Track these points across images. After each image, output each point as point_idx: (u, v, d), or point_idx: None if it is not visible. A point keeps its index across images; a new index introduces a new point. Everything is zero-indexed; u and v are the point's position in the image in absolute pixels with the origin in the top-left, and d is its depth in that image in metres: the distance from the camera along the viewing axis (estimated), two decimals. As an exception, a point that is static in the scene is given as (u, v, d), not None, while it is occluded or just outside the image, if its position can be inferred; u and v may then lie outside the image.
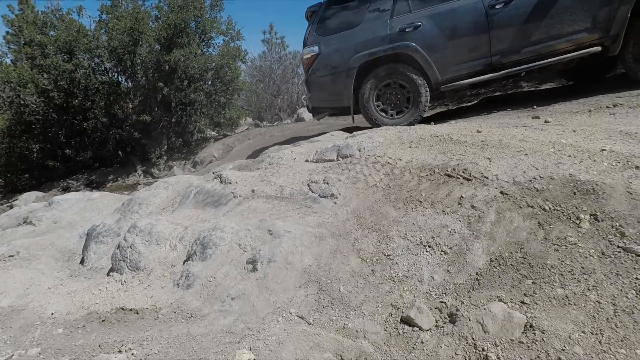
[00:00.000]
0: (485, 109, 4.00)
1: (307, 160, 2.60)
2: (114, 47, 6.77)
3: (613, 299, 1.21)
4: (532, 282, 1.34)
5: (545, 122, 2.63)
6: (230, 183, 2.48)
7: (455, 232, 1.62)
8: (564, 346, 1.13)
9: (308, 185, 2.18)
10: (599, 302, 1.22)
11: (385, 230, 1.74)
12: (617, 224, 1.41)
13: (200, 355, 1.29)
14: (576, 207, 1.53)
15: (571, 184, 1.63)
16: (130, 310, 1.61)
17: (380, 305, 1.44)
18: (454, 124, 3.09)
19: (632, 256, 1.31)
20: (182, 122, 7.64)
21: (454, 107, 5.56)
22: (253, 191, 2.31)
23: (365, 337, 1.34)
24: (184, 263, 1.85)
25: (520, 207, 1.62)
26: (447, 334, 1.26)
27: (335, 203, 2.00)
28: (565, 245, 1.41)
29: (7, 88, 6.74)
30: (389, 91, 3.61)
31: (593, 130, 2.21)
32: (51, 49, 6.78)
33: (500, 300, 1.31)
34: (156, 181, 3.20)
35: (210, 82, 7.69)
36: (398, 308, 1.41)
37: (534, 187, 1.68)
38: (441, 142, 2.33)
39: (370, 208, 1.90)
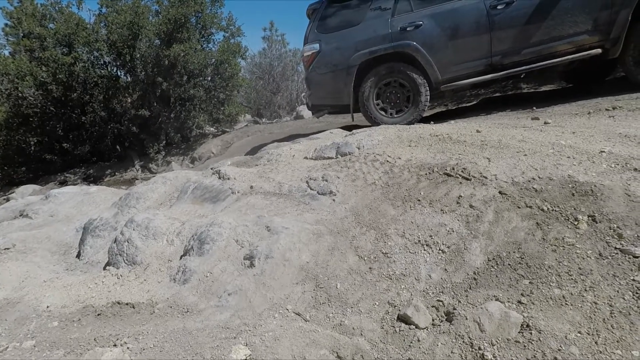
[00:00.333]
0: (484, 109, 4.00)
1: (306, 158, 2.59)
2: (113, 41, 6.73)
3: (610, 300, 1.22)
4: (530, 282, 1.35)
5: (545, 123, 2.64)
6: (228, 179, 2.47)
7: (453, 231, 1.62)
8: (560, 346, 1.13)
9: (307, 182, 2.18)
10: (595, 303, 1.22)
11: (383, 228, 1.74)
12: (615, 225, 1.42)
13: (196, 350, 1.28)
14: (574, 208, 1.53)
15: (570, 185, 1.64)
16: (126, 304, 1.60)
17: (377, 303, 1.44)
18: (454, 123, 3.09)
19: (629, 258, 1.31)
20: (180, 117, 7.60)
21: (454, 107, 5.56)
22: (251, 187, 2.30)
23: (361, 334, 1.33)
24: (180, 258, 1.84)
25: (519, 207, 1.62)
26: (443, 332, 1.27)
27: (333, 200, 1.99)
28: (563, 246, 1.42)
29: (5, 80, 6.69)
30: (389, 90, 3.60)
31: (592, 132, 2.21)
32: (50, 41, 6.73)
33: (497, 299, 1.32)
34: (154, 176, 3.18)
35: (209, 78, 7.66)
36: (395, 306, 1.41)
37: (533, 188, 1.68)
38: (440, 142, 2.32)
39: (368, 206, 1.89)
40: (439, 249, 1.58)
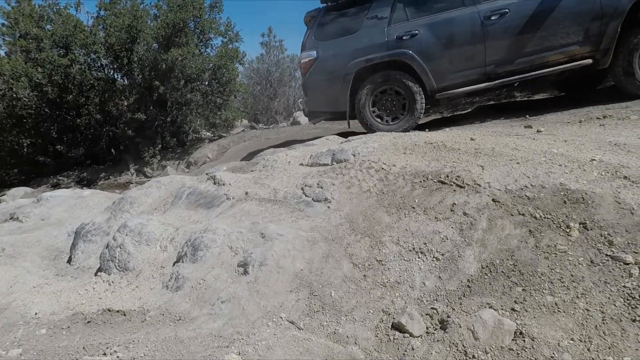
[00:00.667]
0: (479, 117, 4.05)
1: (301, 164, 2.60)
2: (111, 44, 6.71)
3: (601, 307, 1.23)
4: (523, 290, 1.35)
5: (538, 131, 2.68)
6: (223, 184, 2.46)
7: (447, 239, 1.63)
8: (553, 353, 1.13)
9: (302, 188, 2.18)
10: (587, 310, 1.23)
11: (377, 236, 1.74)
12: (606, 232, 1.44)
13: (188, 359, 1.26)
14: (566, 216, 1.55)
15: (562, 193, 1.66)
16: (117, 311, 1.57)
17: (372, 311, 1.43)
18: (448, 131, 3.13)
19: (620, 264, 1.33)
20: (177, 121, 7.58)
21: (449, 115, 5.62)
22: (246, 193, 2.29)
23: (355, 342, 1.33)
24: (174, 264, 1.82)
25: (512, 215, 1.63)
26: (437, 340, 1.26)
27: (328, 207, 1.99)
28: (555, 253, 1.43)
29: (0, 81, 6.62)
30: (385, 97, 3.64)
31: (583, 140, 2.25)
32: (47, 43, 6.69)
33: (490, 307, 1.32)
34: (149, 180, 3.16)
35: (207, 83, 7.66)
36: (389, 314, 1.41)
37: (526, 195, 1.70)
38: (435, 149, 2.34)
39: (363, 213, 1.90)
40: (433, 257, 1.58)
